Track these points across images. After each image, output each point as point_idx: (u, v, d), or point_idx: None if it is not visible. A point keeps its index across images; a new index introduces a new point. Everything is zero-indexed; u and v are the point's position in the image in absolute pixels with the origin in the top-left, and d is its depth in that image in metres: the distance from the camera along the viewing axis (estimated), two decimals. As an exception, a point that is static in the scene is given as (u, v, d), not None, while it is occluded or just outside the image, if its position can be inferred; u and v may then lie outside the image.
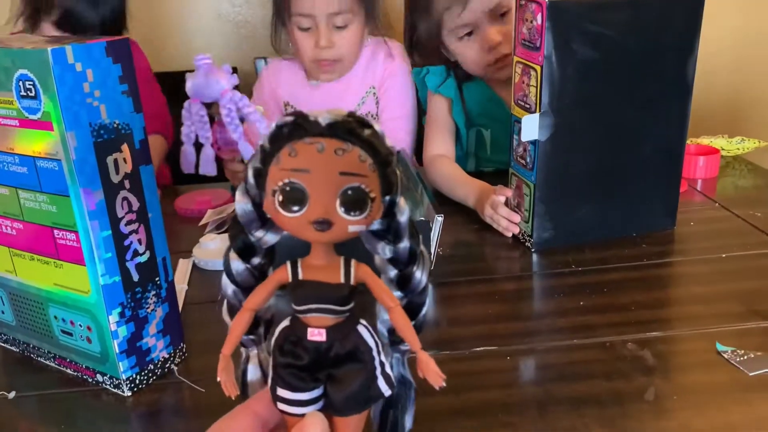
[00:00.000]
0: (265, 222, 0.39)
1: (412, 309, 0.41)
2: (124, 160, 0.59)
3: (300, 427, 0.38)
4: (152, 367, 0.64)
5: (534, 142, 0.82)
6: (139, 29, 1.68)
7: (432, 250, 0.82)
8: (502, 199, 0.92)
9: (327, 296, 0.38)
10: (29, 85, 0.55)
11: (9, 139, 0.59)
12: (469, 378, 0.63)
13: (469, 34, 1.13)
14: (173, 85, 1.63)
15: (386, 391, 0.39)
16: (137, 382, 0.63)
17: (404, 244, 0.39)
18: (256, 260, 0.40)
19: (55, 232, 0.59)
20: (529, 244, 0.88)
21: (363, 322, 0.39)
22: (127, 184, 0.59)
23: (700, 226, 0.94)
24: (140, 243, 0.61)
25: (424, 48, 1.20)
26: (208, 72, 0.92)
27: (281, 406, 0.39)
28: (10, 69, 0.55)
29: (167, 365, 0.66)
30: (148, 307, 0.63)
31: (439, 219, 0.79)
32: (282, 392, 0.39)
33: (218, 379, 0.40)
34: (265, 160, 0.36)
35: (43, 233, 0.60)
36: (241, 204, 0.38)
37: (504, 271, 0.85)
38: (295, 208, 0.34)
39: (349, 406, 0.39)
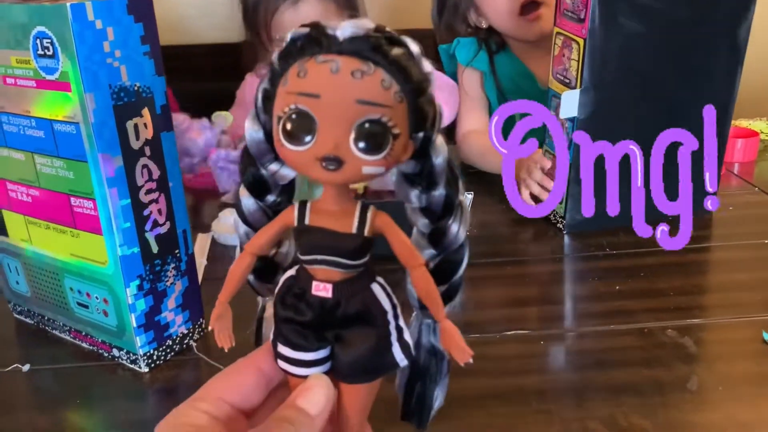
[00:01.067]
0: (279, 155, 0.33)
1: (446, 268, 0.36)
2: (145, 125, 0.56)
3: (301, 390, 0.34)
4: (170, 342, 0.62)
5: (572, 120, 0.78)
6: (156, 1, 1.66)
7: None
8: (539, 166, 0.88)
9: (335, 247, 0.32)
10: (47, 43, 0.52)
11: (26, 101, 0.56)
12: (501, 362, 0.60)
13: None
14: (188, 59, 1.62)
15: (402, 361, 0.35)
16: (155, 357, 0.61)
17: (439, 191, 0.33)
18: (270, 197, 0.35)
19: (72, 199, 0.57)
20: (561, 226, 0.85)
21: (379, 280, 0.34)
22: (147, 150, 0.56)
23: (738, 210, 0.90)
24: (160, 213, 0.58)
25: (455, 14, 1.16)
26: (184, 133, 0.92)
27: (282, 364, 0.35)
28: (27, 26, 0.52)
29: (186, 341, 0.63)
30: (168, 281, 0.60)
31: (469, 196, 0.76)
32: (282, 349, 0.34)
33: (209, 327, 0.35)
34: (274, 80, 0.30)
35: (60, 200, 0.58)
36: (251, 132, 0.33)
37: (535, 253, 0.82)
38: (301, 140, 0.29)
39: (357, 374, 0.35)
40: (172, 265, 0.60)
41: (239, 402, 0.35)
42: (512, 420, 0.53)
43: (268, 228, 0.35)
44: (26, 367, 0.62)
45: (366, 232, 0.32)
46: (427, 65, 0.30)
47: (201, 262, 0.79)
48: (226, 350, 0.35)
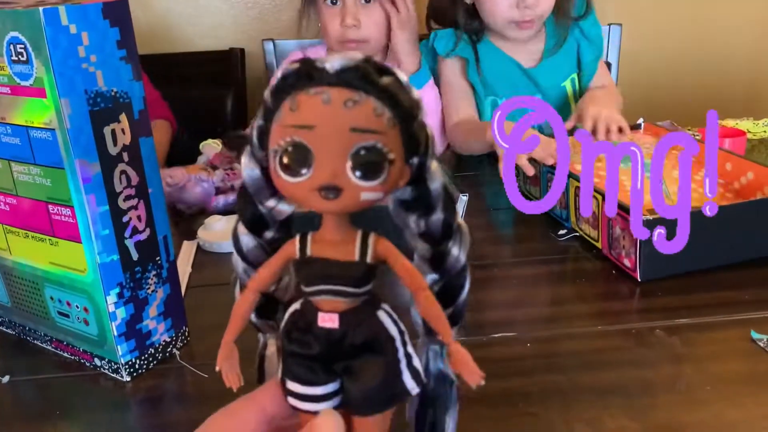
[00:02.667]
0: (278, 189, 0.34)
1: (449, 293, 0.35)
2: (123, 131, 0.55)
3: (310, 428, 0.33)
4: (153, 351, 0.61)
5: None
6: (144, 10, 1.65)
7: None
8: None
9: (338, 276, 0.32)
10: (21, 48, 0.51)
11: (1, 107, 0.55)
12: (488, 365, 0.58)
13: None
14: (178, 67, 1.61)
15: (413, 389, 0.34)
16: (137, 366, 0.60)
17: (437, 215, 0.33)
18: (269, 234, 0.35)
19: (50, 207, 0.56)
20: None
21: (385, 306, 0.34)
22: (125, 156, 0.56)
23: (727, 210, 0.89)
24: (140, 220, 0.57)
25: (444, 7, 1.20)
26: (182, 191, 0.93)
27: (291, 401, 0.34)
28: (1, 31, 0.52)
29: (169, 349, 0.62)
30: (149, 288, 0.59)
31: (464, 198, 0.76)
32: (292, 385, 0.34)
33: (217, 368, 0.35)
34: (267, 116, 0.31)
35: (38, 209, 0.57)
36: (248, 170, 0.33)
37: (522, 254, 0.82)
38: (298, 171, 0.29)
39: (369, 405, 0.34)
40: (153, 273, 0.59)
41: None
42: (498, 423, 0.52)
43: (271, 262, 0.34)
44: (6, 379, 0.61)
45: (369, 259, 0.32)
46: (416, 92, 0.31)
47: (186, 269, 0.78)
48: (234, 390, 0.35)
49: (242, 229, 0.35)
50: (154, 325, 0.60)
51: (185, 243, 0.84)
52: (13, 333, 0.67)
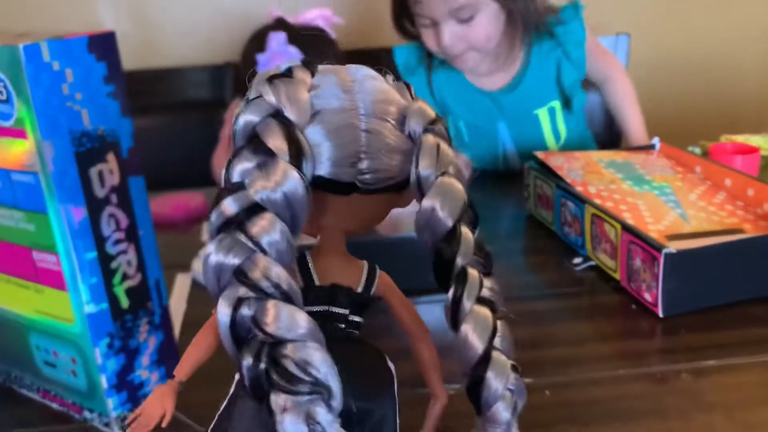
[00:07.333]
0: None
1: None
2: (110, 171, 0.51)
3: None
4: (146, 402, 0.57)
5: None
6: (134, 25, 1.62)
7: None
8: None
9: None
10: (0, 87, 0.47)
11: (-20, 148, 0.51)
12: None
13: (433, 24, 1.10)
14: (170, 80, 1.59)
15: None
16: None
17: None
18: None
19: (34, 253, 0.52)
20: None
21: None
22: (114, 198, 0.52)
23: (746, 234, 0.86)
24: (130, 265, 0.54)
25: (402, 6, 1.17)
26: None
27: None
28: (-22, 68, 0.48)
29: (163, 400, 0.58)
30: (140, 336, 0.55)
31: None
32: None
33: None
34: None
35: (22, 254, 0.53)
36: None
37: (535, 287, 0.78)
38: None
39: None
40: (145, 320, 0.56)
41: None
42: (519, 485, 0.48)
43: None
44: (-10, 433, 0.57)
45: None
46: None
47: (180, 306, 0.74)
48: None
49: None
50: (146, 375, 0.57)
51: (179, 276, 0.80)
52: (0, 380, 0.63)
